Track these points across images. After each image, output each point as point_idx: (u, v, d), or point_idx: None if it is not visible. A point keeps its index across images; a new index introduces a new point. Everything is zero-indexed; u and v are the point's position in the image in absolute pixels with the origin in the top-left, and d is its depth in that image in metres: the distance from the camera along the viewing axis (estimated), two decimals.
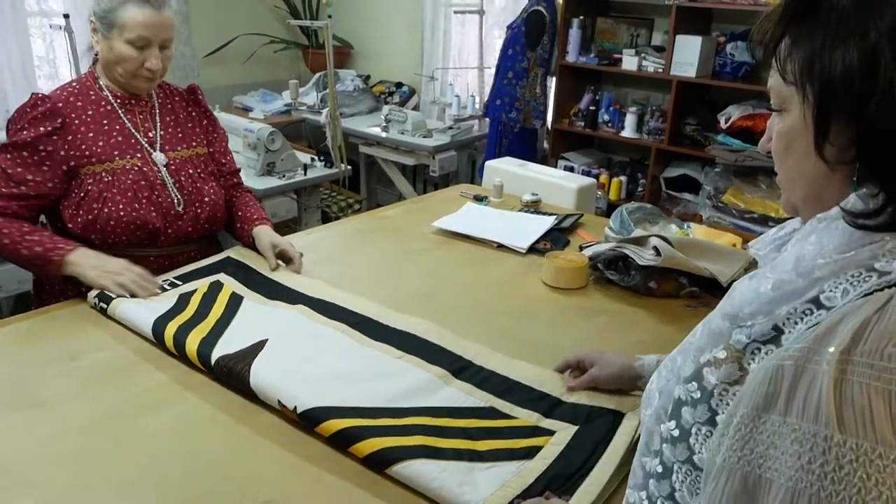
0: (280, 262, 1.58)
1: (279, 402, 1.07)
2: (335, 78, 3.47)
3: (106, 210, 1.47)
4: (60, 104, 1.48)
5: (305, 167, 3.16)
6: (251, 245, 1.63)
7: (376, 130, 3.97)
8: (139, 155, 1.54)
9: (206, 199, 1.61)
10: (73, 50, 3.10)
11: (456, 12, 4.24)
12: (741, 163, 3.10)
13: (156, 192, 1.52)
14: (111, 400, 1.12)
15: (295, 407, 1.04)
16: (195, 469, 0.97)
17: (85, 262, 1.40)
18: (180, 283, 1.47)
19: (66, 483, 0.94)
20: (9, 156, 1.44)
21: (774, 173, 0.69)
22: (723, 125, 3.23)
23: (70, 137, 1.47)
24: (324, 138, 3.51)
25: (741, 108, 3.23)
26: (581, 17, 3.62)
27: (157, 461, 0.98)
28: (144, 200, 1.51)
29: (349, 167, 3.38)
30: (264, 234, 1.62)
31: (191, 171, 1.61)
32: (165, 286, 1.45)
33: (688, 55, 3.23)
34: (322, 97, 4.32)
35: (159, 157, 1.56)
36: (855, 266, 0.57)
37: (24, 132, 1.44)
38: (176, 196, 1.55)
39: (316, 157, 3.34)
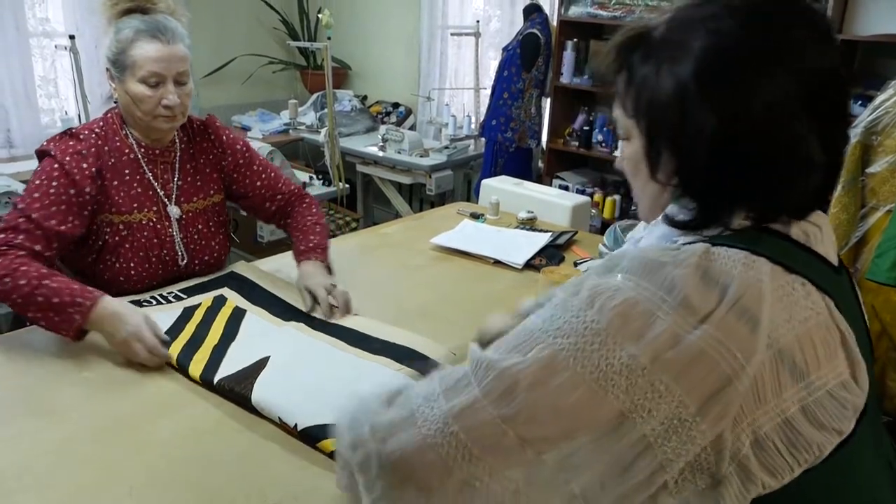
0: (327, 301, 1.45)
1: (279, 418, 1.09)
2: (333, 98, 3.52)
3: (117, 266, 1.47)
4: (100, 143, 1.45)
5: (304, 185, 3.20)
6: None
7: (373, 150, 4.02)
8: (155, 208, 1.51)
9: (207, 256, 1.60)
10: (77, 70, 3.14)
11: (452, 34, 4.32)
12: None
13: (165, 250, 1.52)
14: (120, 407, 1.15)
15: (295, 424, 1.07)
16: (203, 473, 1.00)
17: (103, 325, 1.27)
18: (185, 296, 1.50)
19: (77, 487, 0.96)
20: (51, 185, 1.36)
21: None
22: None
23: (100, 182, 1.44)
24: (322, 157, 3.56)
25: None
26: (575, 40, 3.70)
27: (166, 465, 1.01)
28: (154, 258, 1.51)
29: (347, 186, 3.43)
30: (303, 275, 1.52)
31: (200, 225, 1.59)
32: (171, 298, 1.48)
33: None
34: (320, 117, 4.38)
35: (174, 210, 1.54)
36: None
37: (67, 166, 1.39)
38: (181, 251, 1.55)
39: (314, 176, 3.39)
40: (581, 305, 0.64)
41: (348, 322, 1.43)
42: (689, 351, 0.61)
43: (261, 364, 1.23)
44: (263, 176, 1.68)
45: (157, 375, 1.24)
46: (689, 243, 0.67)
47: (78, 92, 3.17)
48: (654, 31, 0.69)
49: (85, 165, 1.41)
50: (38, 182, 1.38)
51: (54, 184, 1.37)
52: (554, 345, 0.63)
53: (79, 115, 3.28)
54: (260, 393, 1.14)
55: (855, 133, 2.48)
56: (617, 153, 3.60)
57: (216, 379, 1.19)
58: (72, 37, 3.13)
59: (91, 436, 1.07)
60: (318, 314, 1.45)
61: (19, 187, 2.63)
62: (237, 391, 1.16)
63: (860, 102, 2.80)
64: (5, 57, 3.74)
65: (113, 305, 1.28)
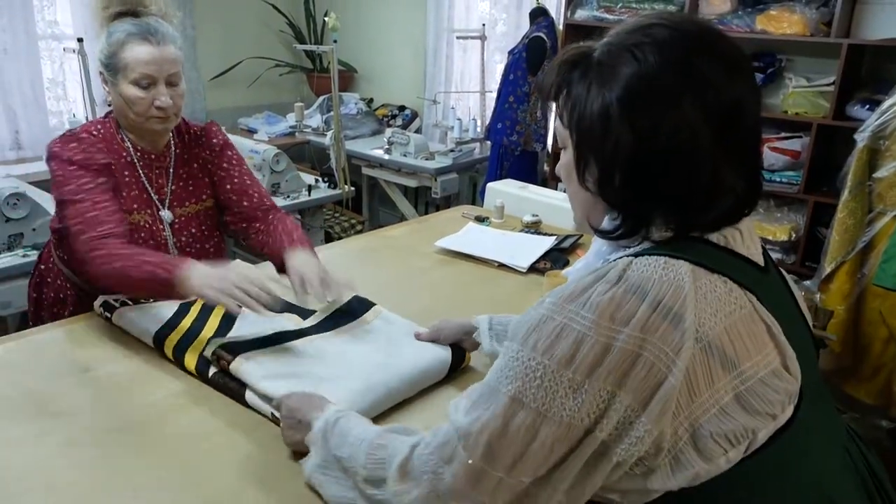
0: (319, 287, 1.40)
1: (272, 415, 1.10)
2: (339, 101, 3.53)
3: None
4: (101, 144, 1.47)
5: (310, 188, 3.21)
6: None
7: (379, 153, 4.03)
8: (149, 211, 1.53)
9: (202, 259, 1.57)
10: (86, 73, 3.16)
11: (458, 37, 4.33)
12: None
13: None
14: (126, 409, 1.15)
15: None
16: (208, 475, 1.00)
17: (194, 280, 1.28)
18: None
19: (82, 488, 0.97)
20: (83, 179, 1.40)
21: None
22: None
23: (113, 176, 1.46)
24: (327, 160, 3.57)
25: None
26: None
27: (171, 468, 1.01)
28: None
29: (352, 188, 3.43)
30: (294, 261, 1.45)
31: (193, 229, 1.60)
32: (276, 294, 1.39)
33: None
34: (326, 119, 4.39)
35: (166, 215, 1.55)
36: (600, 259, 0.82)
37: (84, 162, 1.41)
38: (174, 255, 1.55)
39: (320, 179, 3.39)
40: (517, 347, 0.72)
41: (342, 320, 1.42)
42: (621, 356, 0.67)
43: (257, 342, 1.24)
44: (237, 181, 1.63)
45: (163, 377, 1.25)
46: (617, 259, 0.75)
47: (86, 94, 3.19)
48: (594, 53, 0.76)
49: (99, 156, 1.44)
50: (72, 186, 1.39)
51: (79, 173, 1.40)
52: (507, 392, 0.71)
53: (86, 117, 3.30)
54: (251, 396, 1.15)
55: (862, 137, 2.47)
56: None
57: (211, 373, 1.21)
58: (80, 39, 3.15)
59: (97, 437, 1.08)
60: (311, 303, 1.42)
61: (28, 188, 2.65)
62: (231, 387, 1.17)
63: (867, 107, 2.79)
64: (14, 59, 3.77)
65: (199, 278, 1.29)
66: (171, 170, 1.58)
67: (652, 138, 0.71)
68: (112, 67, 1.44)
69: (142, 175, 1.53)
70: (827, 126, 2.94)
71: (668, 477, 0.70)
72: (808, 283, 2.43)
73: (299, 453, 1.01)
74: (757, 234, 0.82)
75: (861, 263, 2.52)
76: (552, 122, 3.87)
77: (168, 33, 1.46)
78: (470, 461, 0.72)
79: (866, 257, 2.51)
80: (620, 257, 0.75)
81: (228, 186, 1.63)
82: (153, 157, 1.55)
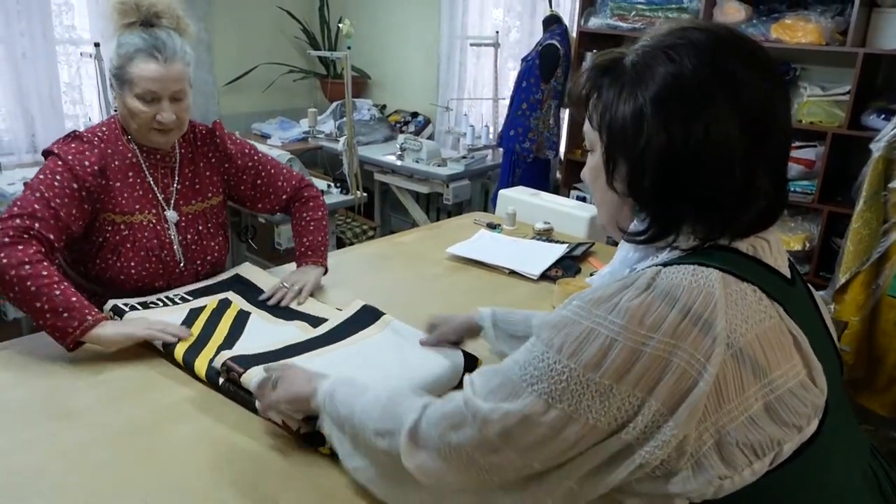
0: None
1: (283, 422, 1.09)
2: (352, 107, 3.54)
3: (118, 265, 1.50)
4: (103, 145, 1.48)
5: (322, 193, 3.21)
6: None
7: (391, 159, 4.04)
8: (154, 211, 1.54)
9: (209, 256, 1.64)
10: (102, 77, 3.19)
11: (472, 44, 4.34)
12: None
13: (164, 251, 1.55)
14: (136, 412, 1.16)
15: (298, 428, 1.07)
16: (218, 480, 1.00)
17: (106, 330, 1.30)
18: (190, 298, 1.52)
19: (92, 491, 0.97)
20: (55, 179, 1.40)
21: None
22: None
23: (102, 180, 1.46)
24: (340, 165, 3.58)
25: None
26: (594, 51, 3.69)
27: (179, 473, 1.02)
28: (154, 259, 1.53)
29: (364, 194, 3.44)
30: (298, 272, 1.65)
31: (199, 227, 1.61)
32: (177, 300, 1.50)
33: None
34: (339, 125, 4.41)
35: (171, 214, 1.56)
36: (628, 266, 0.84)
37: (70, 162, 1.42)
38: (180, 255, 1.57)
39: (332, 184, 3.41)
40: (543, 348, 0.73)
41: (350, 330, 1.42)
42: (651, 362, 0.67)
43: (264, 357, 1.23)
44: (263, 173, 1.71)
45: (171, 381, 1.25)
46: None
47: (101, 98, 3.22)
48: (626, 58, 0.78)
49: (87, 163, 1.44)
50: (41, 177, 1.41)
51: (58, 178, 1.40)
52: (531, 391, 0.72)
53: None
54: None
55: (877, 147, 2.45)
56: None
57: (221, 380, 1.21)
58: (97, 44, 3.18)
59: (106, 441, 1.08)
60: (322, 311, 1.51)
61: None
62: (240, 395, 1.17)
63: (883, 116, 2.76)
64: (32, 63, 3.81)
65: (115, 325, 1.33)
66: (177, 169, 1.59)
67: (685, 138, 0.71)
68: (119, 78, 1.46)
69: (147, 175, 1.54)
70: (842, 135, 2.92)
71: (688, 480, 0.70)
72: (822, 293, 2.41)
73: (309, 462, 1.01)
74: (783, 247, 0.82)
75: (876, 274, 2.50)
76: (565, 129, 3.88)
77: (177, 49, 1.46)
78: (482, 434, 0.75)
79: (881, 268, 2.48)
80: (648, 267, 0.75)
81: (258, 182, 1.71)
82: (159, 156, 1.56)
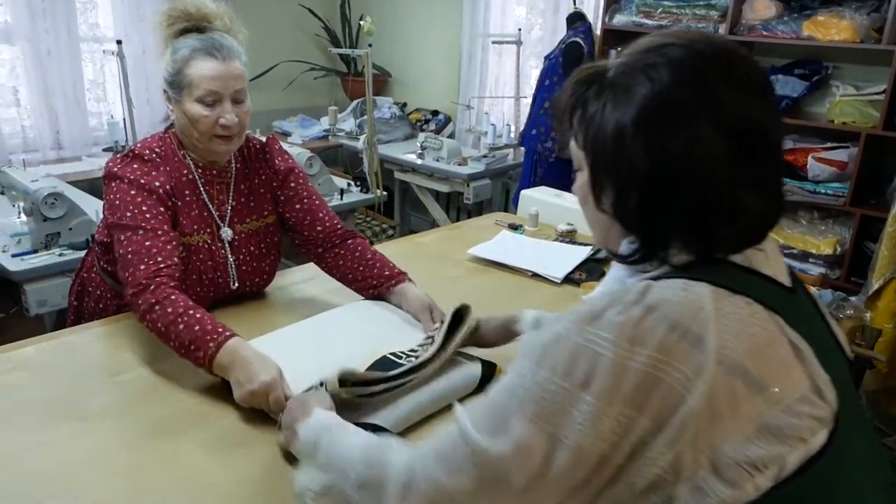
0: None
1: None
2: (373, 105, 3.52)
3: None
4: (165, 164, 1.42)
5: (342, 192, 3.21)
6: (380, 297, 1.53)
7: (412, 157, 4.01)
8: (209, 230, 1.47)
9: (258, 279, 1.56)
10: (124, 75, 3.20)
11: (493, 42, 4.30)
12: None
13: (218, 273, 1.48)
14: (152, 415, 1.14)
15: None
16: (233, 485, 0.98)
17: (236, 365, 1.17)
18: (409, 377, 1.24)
19: (109, 494, 0.96)
20: (143, 205, 1.34)
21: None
22: None
23: (172, 202, 1.41)
24: (360, 164, 3.56)
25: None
26: (618, 49, 3.63)
27: (196, 476, 1.00)
28: (207, 281, 1.47)
29: (384, 193, 3.42)
30: (414, 295, 1.47)
31: (252, 247, 1.54)
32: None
33: None
34: (359, 123, 4.40)
35: (226, 232, 1.50)
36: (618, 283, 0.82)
37: (146, 185, 1.36)
38: (233, 275, 1.51)
39: (352, 182, 3.39)
40: (532, 367, 0.70)
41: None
42: (640, 378, 0.65)
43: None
44: (306, 202, 1.58)
45: (189, 384, 1.23)
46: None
47: (123, 96, 3.23)
48: (608, 73, 0.75)
49: (157, 183, 1.38)
50: (129, 214, 1.33)
51: (139, 199, 1.34)
52: (522, 416, 0.69)
53: (123, 119, 3.34)
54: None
55: None
56: None
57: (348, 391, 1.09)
58: (119, 42, 3.19)
59: (122, 444, 1.07)
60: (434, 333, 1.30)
61: (66, 188, 2.68)
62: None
63: None
64: (57, 61, 3.84)
65: (247, 349, 1.19)
66: (232, 185, 1.52)
67: (666, 158, 0.70)
68: (176, 85, 1.39)
69: (203, 192, 1.47)
70: (876, 136, 2.84)
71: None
72: (853, 299, 2.34)
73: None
74: (781, 256, 0.80)
75: None
76: None
77: (234, 48, 1.42)
78: (480, 476, 0.71)
79: None
80: (638, 281, 0.73)
81: (298, 206, 1.58)
82: (214, 172, 1.50)
